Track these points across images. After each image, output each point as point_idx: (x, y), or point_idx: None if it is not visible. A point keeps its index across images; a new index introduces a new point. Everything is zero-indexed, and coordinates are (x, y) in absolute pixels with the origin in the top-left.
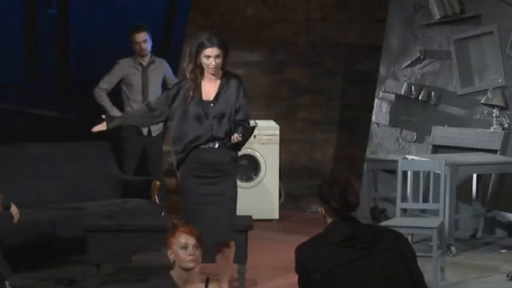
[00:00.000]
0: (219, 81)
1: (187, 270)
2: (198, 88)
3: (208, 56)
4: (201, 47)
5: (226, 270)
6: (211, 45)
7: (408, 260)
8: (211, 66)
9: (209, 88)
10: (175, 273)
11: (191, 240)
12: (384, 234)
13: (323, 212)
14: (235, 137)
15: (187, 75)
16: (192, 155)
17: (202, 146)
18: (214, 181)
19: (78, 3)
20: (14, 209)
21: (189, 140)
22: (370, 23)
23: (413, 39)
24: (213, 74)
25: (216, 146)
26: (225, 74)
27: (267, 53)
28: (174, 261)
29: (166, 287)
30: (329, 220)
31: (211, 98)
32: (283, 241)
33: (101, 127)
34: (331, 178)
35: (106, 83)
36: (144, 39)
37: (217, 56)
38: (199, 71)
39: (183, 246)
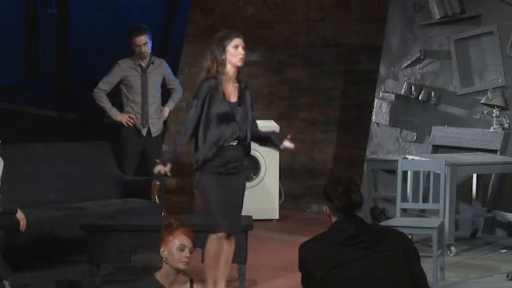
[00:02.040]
0: (236, 85)
1: (177, 271)
2: (221, 87)
3: (237, 45)
4: (229, 37)
5: (227, 267)
6: (239, 36)
7: (411, 260)
8: (239, 55)
9: (230, 89)
10: (161, 274)
11: (189, 243)
12: (387, 234)
13: (327, 210)
14: (291, 145)
15: (213, 73)
16: (215, 154)
17: (225, 144)
18: (230, 177)
19: (78, 3)
20: (20, 215)
21: (215, 140)
22: (370, 23)
23: (413, 39)
24: (238, 67)
25: (235, 144)
26: (239, 80)
27: (267, 53)
28: (165, 258)
29: None
30: (333, 219)
31: (235, 100)
32: (283, 241)
33: (165, 169)
34: (335, 177)
35: (105, 84)
36: (144, 42)
37: (244, 48)
38: (222, 68)
39: (180, 247)
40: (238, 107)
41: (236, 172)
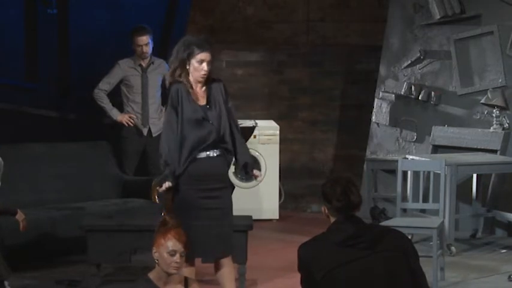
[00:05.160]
0: (204, 87)
1: (168, 274)
2: (189, 92)
3: (202, 61)
4: (196, 50)
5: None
6: (205, 50)
7: (410, 260)
8: (203, 72)
9: (197, 92)
10: (154, 274)
11: (179, 248)
12: (386, 234)
13: (326, 211)
14: (257, 174)
15: (180, 80)
16: (192, 166)
17: (202, 156)
18: (216, 194)
19: (78, 3)
20: (20, 216)
21: (193, 145)
22: (370, 23)
23: (413, 39)
24: (201, 80)
25: (216, 155)
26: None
27: (267, 53)
28: (157, 260)
29: None
30: (332, 219)
31: (205, 102)
32: (283, 241)
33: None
34: (334, 177)
35: (106, 84)
36: (146, 43)
37: (209, 62)
38: (185, 76)
39: (170, 252)
40: (208, 107)
41: (222, 187)
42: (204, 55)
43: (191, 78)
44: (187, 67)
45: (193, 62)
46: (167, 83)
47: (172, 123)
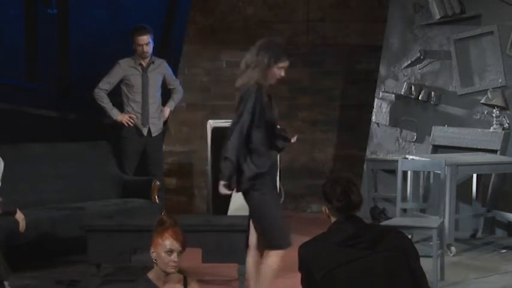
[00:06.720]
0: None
1: (166, 273)
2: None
3: (283, 68)
4: (281, 58)
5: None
6: (287, 59)
7: (410, 260)
8: (279, 78)
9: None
10: (153, 274)
11: (177, 247)
12: (387, 234)
13: (326, 211)
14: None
15: (263, 83)
16: (270, 159)
17: (273, 150)
18: (275, 189)
19: (78, 3)
20: (19, 216)
21: (272, 145)
22: (370, 23)
23: (413, 39)
24: (272, 84)
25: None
26: None
27: None
28: (155, 260)
29: None
30: (333, 219)
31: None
32: None
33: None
34: (334, 177)
35: (106, 84)
36: (146, 42)
37: (287, 68)
38: (265, 79)
39: (168, 251)
40: (275, 111)
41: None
42: (287, 63)
43: (268, 81)
44: (268, 71)
45: (275, 68)
46: (241, 82)
47: (245, 126)
